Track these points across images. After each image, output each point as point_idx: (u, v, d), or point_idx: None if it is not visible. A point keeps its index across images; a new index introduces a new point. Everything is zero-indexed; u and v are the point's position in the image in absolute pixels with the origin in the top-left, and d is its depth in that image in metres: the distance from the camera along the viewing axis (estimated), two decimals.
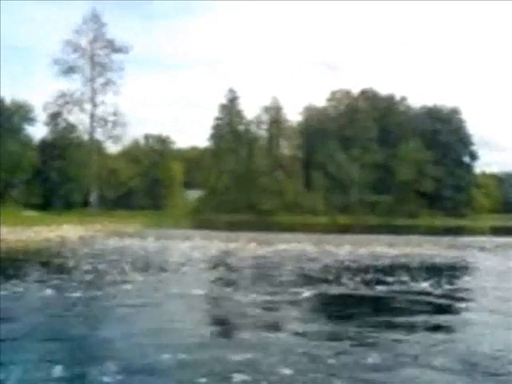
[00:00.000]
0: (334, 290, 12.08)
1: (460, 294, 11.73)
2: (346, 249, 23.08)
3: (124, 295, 10.66)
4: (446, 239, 31.19)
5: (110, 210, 57.17)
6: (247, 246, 23.59)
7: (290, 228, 42.67)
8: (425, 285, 12.90)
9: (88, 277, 13.15)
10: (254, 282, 13.57)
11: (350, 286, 12.63)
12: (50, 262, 16.81)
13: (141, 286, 11.90)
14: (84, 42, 58.10)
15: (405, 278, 14.04)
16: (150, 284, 12.18)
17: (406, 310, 9.88)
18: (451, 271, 16.37)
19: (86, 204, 57.19)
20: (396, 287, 12.45)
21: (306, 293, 11.20)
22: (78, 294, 10.60)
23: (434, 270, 16.16)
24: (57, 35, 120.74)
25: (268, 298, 10.60)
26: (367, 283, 13.04)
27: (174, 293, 11.05)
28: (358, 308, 10.34)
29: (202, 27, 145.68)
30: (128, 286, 11.64)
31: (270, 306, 9.84)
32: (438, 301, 10.73)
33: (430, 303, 10.44)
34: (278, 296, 10.89)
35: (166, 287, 11.72)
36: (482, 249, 25.10)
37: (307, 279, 13.78)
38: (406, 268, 16.57)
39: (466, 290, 12.73)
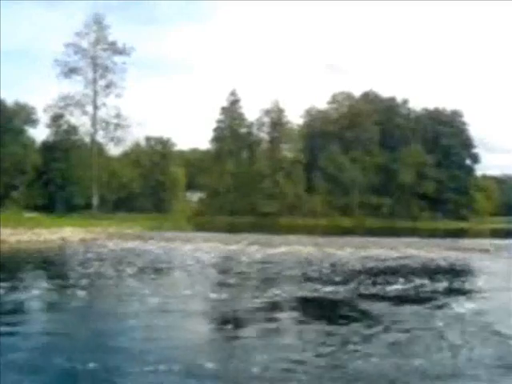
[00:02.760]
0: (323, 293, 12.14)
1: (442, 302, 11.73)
2: (347, 251, 23.08)
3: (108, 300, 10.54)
4: (447, 242, 31.15)
5: (111, 212, 57.10)
6: (248, 249, 23.60)
7: (292, 230, 42.58)
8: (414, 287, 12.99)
9: (84, 281, 13.13)
10: (247, 287, 13.58)
11: (340, 291, 12.62)
12: (48, 265, 16.79)
13: (132, 291, 11.76)
14: (86, 43, 58.12)
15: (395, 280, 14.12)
16: (144, 290, 11.94)
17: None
18: (450, 274, 16.36)
19: (87, 206, 57.15)
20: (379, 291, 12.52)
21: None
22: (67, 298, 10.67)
23: (431, 273, 16.17)
24: (59, 37, 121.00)
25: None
26: (360, 285, 13.09)
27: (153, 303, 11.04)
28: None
29: (204, 29, 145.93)
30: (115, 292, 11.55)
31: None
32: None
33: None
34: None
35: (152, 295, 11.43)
36: (483, 251, 25.09)
37: (301, 281, 13.86)
38: (403, 271, 16.64)
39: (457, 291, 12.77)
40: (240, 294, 11.80)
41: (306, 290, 12.24)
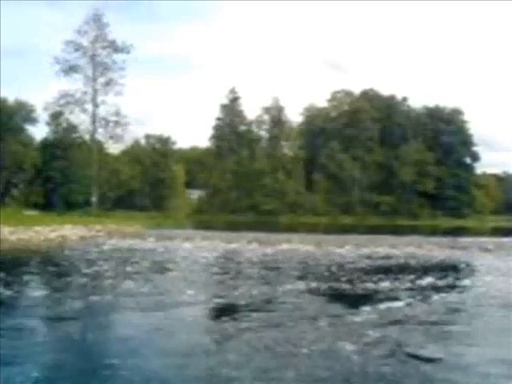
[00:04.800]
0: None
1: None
2: (347, 249, 23.07)
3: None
4: (448, 240, 31.11)
5: (110, 210, 57.07)
6: (248, 247, 23.58)
7: (292, 228, 42.63)
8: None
9: (83, 280, 13.06)
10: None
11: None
12: (48, 266, 16.69)
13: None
14: (85, 41, 57.95)
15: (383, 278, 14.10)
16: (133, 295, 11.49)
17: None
18: (448, 272, 16.32)
19: (87, 204, 57.06)
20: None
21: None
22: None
23: (429, 271, 16.14)
24: (59, 35, 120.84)
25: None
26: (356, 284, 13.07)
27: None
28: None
29: (204, 27, 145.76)
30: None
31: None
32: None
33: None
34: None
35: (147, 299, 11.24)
36: (484, 249, 25.05)
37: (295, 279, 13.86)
38: (398, 268, 16.65)
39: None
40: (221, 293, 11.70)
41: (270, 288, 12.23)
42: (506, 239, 31.77)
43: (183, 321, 8.97)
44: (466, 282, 14.58)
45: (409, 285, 13.25)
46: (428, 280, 14.12)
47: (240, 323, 8.74)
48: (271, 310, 9.97)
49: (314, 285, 12.92)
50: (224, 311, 9.86)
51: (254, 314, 9.38)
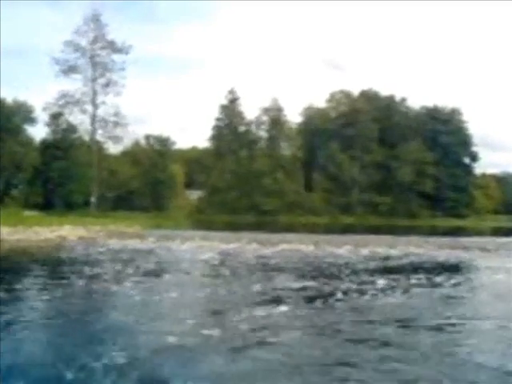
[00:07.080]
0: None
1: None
2: (346, 249, 23.13)
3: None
4: (447, 240, 31.17)
5: (110, 210, 57.09)
6: (247, 248, 23.63)
7: (291, 228, 42.67)
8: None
9: (81, 282, 13.10)
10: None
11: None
12: (47, 267, 16.72)
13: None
14: (84, 42, 58.04)
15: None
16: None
17: None
18: (445, 272, 16.37)
19: (86, 204, 57.14)
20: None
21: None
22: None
23: (428, 271, 16.20)
24: (58, 36, 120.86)
25: None
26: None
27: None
28: None
29: (203, 28, 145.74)
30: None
31: None
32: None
33: None
34: None
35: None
36: (483, 249, 25.11)
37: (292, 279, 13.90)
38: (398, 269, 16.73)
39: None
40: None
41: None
42: (504, 239, 31.87)
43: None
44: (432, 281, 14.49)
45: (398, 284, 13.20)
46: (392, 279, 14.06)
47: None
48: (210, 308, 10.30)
49: (280, 284, 13.05)
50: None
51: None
